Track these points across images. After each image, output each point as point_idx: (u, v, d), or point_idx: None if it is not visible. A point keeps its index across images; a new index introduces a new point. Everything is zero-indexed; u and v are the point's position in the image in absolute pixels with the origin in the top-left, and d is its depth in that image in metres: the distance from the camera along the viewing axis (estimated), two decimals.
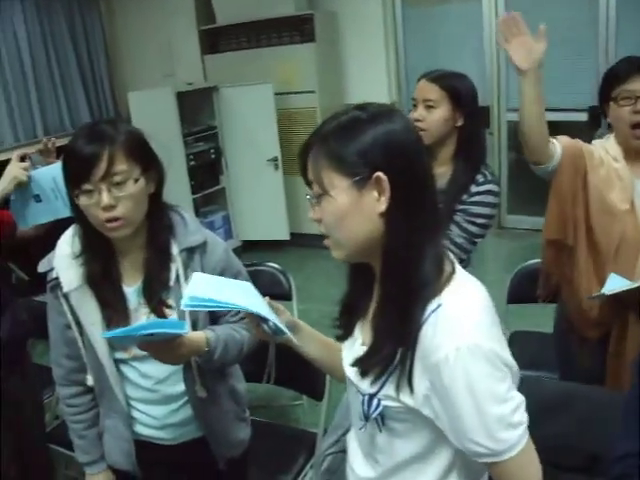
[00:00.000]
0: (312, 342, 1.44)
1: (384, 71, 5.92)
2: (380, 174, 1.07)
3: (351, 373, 1.24)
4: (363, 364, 1.17)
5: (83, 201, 1.49)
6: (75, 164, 1.48)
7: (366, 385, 1.17)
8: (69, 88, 6.27)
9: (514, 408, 1.06)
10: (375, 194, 1.09)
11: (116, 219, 1.49)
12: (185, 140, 5.63)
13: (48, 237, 1.97)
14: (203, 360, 1.59)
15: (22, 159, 2.12)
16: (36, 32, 5.94)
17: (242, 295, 1.34)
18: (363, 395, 1.18)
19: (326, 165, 1.11)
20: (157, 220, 1.60)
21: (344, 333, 1.32)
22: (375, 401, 1.16)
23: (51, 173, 2.09)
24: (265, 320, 1.30)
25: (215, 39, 6.18)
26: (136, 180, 1.50)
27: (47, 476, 2.63)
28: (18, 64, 5.82)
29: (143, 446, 1.73)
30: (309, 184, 1.18)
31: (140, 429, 1.73)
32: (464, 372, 1.03)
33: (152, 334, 1.35)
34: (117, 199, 1.47)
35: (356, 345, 1.26)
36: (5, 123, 5.75)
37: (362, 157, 1.08)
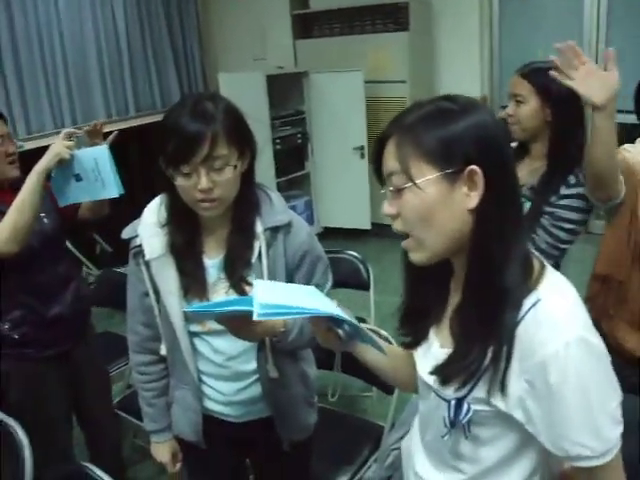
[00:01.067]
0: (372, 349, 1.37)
1: (477, 64, 5.77)
2: (475, 167, 1.01)
3: (430, 379, 1.17)
4: (448, 368, 1.10)
5: (179, 182, 1.48)
6: (178, 142, 1.44)
7: (450, 390, 1.10)
8: (161, 68, 6.39)
9: (619, 402, 1.01)
10: (465, 189, 1.02)
11: (212, 200, 1.50)
12: (272, 123, 5.68)
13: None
14: (277, 340, 1.58)
15: (69, 138, 2.15)
16: (133, 12, 6.08)
17: (312, 299, 1.28)
18: (448, 400, 1.12)
19: (415, 154, 1.03)
20: (245, 197, 1.59)
21: (416, 339, 1.24)
22: (465, 405, 1.09)
23: (93, 154, 2.12)
24: (340, 323, 1.24)
25: (308, 24, 6.18)
26: (235, 167, 1.49)
27: (114, 442, 2.72)
28: (114, 43, 5.97)
29: (209, 421, 1.74)
30: (380, 176, 1.12)
31: (208, 404, 1.74)
32: (576, 368, 0.97)
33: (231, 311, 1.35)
34: (214, 182, 1.47)
35: (433, 349, 1.19)
36: (99, 100, 5.91)
37: (454, 148, 1.01)
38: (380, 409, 2.80)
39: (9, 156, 2.22)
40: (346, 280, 3.01)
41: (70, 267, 2.43)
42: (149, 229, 1.62)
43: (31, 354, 2.29)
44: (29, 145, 4.01)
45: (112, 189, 2.14)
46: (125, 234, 1.68)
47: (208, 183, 1.46)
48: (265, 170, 5.51)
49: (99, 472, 1.74)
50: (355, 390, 3.24)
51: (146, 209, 1.68)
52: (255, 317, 1.09)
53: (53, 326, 2.31)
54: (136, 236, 1.64)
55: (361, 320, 3.08)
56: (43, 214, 2.28)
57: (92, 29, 5.77)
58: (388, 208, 1.11)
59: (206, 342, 1.67)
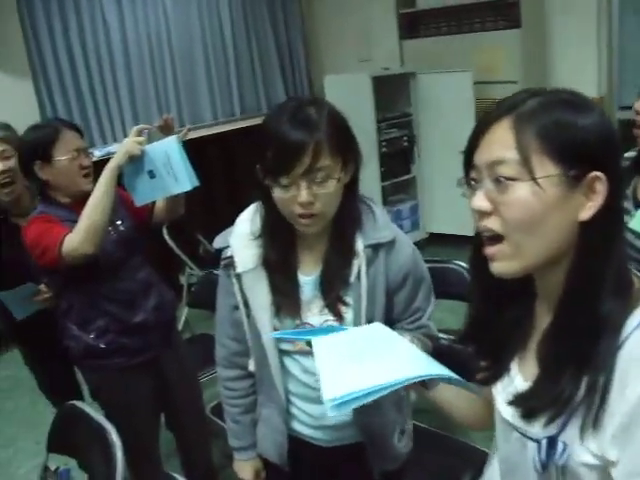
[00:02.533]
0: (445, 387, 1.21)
1: (594, 63, 5.41)
2: (599, 174, 0.87)
3: (510, 415, 1.03)
4: (532, 398, 0.95)
5: (277, 193, 1.38)
6: (278, 152, 1.34)
7: (537, 427, 0.96)
8: (267, 70, 6.43)
9: None
10: (582, 197, 0.88)
11: (312, 215, 1.39)
12: (378, 126, 5.57)
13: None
14: None
15: (140, 134, 2.12)
16: (239, 15, 6.14)
17: (387, 356, 1.10)
18: (537, 440, 0.97)
19: (538, 146, 0.88)
20: (346, 211, 1.47)
21: (495, 372, 1.08)
22: (560, 445, 0.93)
23: (164, 148, 2.06)
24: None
25: (414, 23, 6.01)
26: (338, 179, 1.38)
27: (205, 447, 2.70)
28: (221, 46, 6.06)
29: (296, 442, 1.65)
30: (468, 164, 0.98)
31: (296, 425, 1.65)
32: None
33: None
34: (315, 196, 1.36)
35: (515, 384, 1.03)
36: (206, 102, 6.01)
37: (582, 148, 0.87)
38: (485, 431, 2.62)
39: (84, 169, 2.21)
40: (452, 291, 2.86)
41: (150, 273, 2.41)
42: (241, 240, 1.54)
43: (118, 363, 2.28)
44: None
45: (185, 182, 2.07)
46: (217, 244, 1.60)
47: (309, 197, 1.35)
48: (371, 174, 5.42)
49: None
50: None
51: (239, 218, 1.59)
52: (329, 413, 0.98)
53: (138, 333, 2.29)
54: (228, 247, 1.57)
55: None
56: (119, 221, 2.28)
57: (199, 33, 5.89)
58: (482, 202, 0.94)
59: (296, 362, 1.57)
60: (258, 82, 6.37)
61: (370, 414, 1.56)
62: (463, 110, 5.42)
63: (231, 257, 1.55)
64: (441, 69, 5.53)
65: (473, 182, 0.97)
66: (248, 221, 1.55)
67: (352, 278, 1.48)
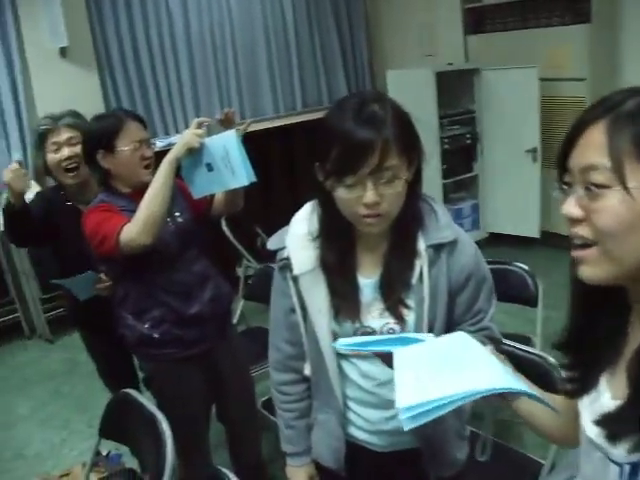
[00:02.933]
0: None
1: None
2: None
3: (595, 434, 0.97)
4: (619, 421, 0.90)
5: (341, 193, 1.33)
6: (344, 151, 1.29)
7: (622, 451, 0.90)
8: (329, 64, 6.38)
9: None
10: None
11: (377, 215, 1.34)
12: (441, 122, 5.49)
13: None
14: None
15: (200, 127, 2.11)
16: (302, 8, 6.12)
17: (466, 364, 1.07)
18: (619, 464, 0.91)
19: (632, 152, 0.83)
20: (408, 211, 1.41)
21: (583, 386, 1.02)
22: None
23: (223, 142, 2.04)
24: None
25: (480, 18, 5.87)
26: (404, 179, 1.33)
27: (255, 441, 2.68)
28: (283, 38, 6.04)
29: (352, 448, 1.61)
30: (563, 168, 0.92)
31: (352, 430, 1.60)
32: None
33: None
34: (382, 196, 1.31)
35: (602, 400, 0.97)
36: (267, 96, 6.01)
37: None
38: (539, 439, 2.54)
39: (145, 160, 2.22)
40: (511, 294, 2.79)
41: (207, 266, 2.40)
42: (298, 241, 1.49)
43: (171, 354, 2.28)
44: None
45: (242, 177, 2.06)
46: (271, 244, 1.55)
47: (375, 197, 1.30)
48: (432, 171, 5.34)
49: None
50: (508, 415, 2.97)
51: (294, 218, 1.54)
52: (405, 427, 0.95)
53: (193, 325, 2.28)
54: (284, 247, 1.52)
55: (525, 339, 2.86)
56: (177, 213, 2.28)
57: (262, 25, 5.89)
58: (573, 209, 0.89)
59: (355, 366, 1.53)
60: (320, 76, 6.34)
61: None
62: (528, 108, 5.29)
63: (287, 258, 1.50)
64: (506, 65, 5.38)
65: (566, 186, 0.92)
66: (305, 221, 1.50)
67: (414, 280, 1.43)
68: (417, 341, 1.23)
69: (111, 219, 2.11)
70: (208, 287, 2.34)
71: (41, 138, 2.51)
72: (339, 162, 1.30)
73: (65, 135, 2.47)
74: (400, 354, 1.16)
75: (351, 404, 1.57)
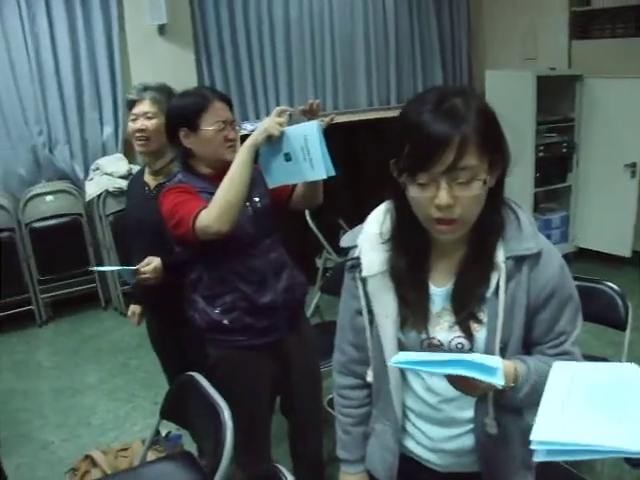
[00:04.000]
0: None
1: None
2: None
3: None
4: None
5: (413, 192, 1.23)
6: (417, 146, 1.20)
7: None
8: (427, 60, 6.25)
9: None
10: None
11: (450, 220, 1.24)
12: (537, 129, 5.28)
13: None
14: (504, 396, 1.29)
15: (282, 115, 2.05)
16: (403, 3, 6.02)
17: (631, 410, 0.93)
18: None
19: None
20: (488, 217, 1.29)
21: None
22: None
23: (303, 132, 1.97)
24: None
25: (587, 23, 5.61)
26: (483, 181, 1.22)
27: (317, 437, 2.62)
28: (383, 32, 5.95)
29: (408, 463, 1.50)
30: None
31: (410, 445, 1.50)
32: None
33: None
34: (457, 198, 1.21)
35: None
36: (362, 88, 5.93)
37: None
38: (615, 470, 2.37)
39: (228, 141, 2.18)
40: (598, 314, 2.61)
41: (284, 254, 2.33)
42: (369, 241, 1.41)
43: (240, 341, 2.23)
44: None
45: (320, 170, 1.98)
46: (344, 242, 1.48)
47: (449, 199, 1.19)
48: (523, 178, 5.17)
49: (291, 479, 1.62)
50: None
51: (370, 216, 1.46)
52: (535, 459, 0.87)
53: (264, 314, 2.23)
54: (355, 246, 1.44)
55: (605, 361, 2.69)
56: (257, 198, 2.22)
57: (362, 18, 5.82)
58: None
59: (419, 378, 1.42)
60: (417, 72, 6.22)
61: (494, 444, 1.39)
62: (632, 120, 5.00)
63: (358, 258, 1.42)
64: (612, 74, 5.12)
65: None
66: (378, 221, 1.42)
67: (489, 293, 1.31)
68: (488, 369, 1.10)
69: (189, 202, 2.08)
70: (283, 276, 2.28)
71: (129, 106, 2.54)
72: (412, 158, 1.21)
73: (144, 108, 2.47)
74: (558, 370, 1.05)
75: (412, 417, 1.47)
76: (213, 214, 2.00)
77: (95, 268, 4.85)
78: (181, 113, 2.17)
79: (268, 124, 2.01)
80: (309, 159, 1.98)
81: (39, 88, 4.93)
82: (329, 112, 5.57)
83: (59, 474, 2.93)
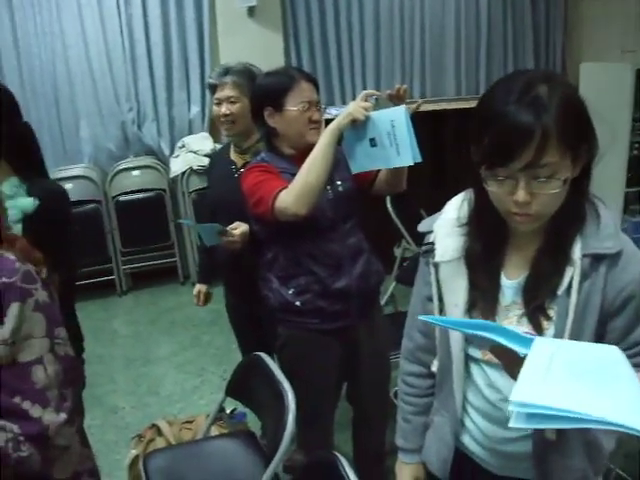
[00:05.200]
0: None
1: None
2: None
3: None
4: None
5: (491, 186, 1.19)
6: (496, 138, 1.14)
7: None
8: (519, 51, 6.02)
9: None
10: None
11: (526, 214, 1.19)
12: (634, 125, 5.03)
13: None
14: None
15: (367, 99, 2.01)
16: None
17: (609, 388, 0.90)
18: None
19: None
20: (569, 211, 1.23)
21: None
22: None
23: (390, 116, 1.92)
24: None
25: None
26: (564, 180, 1.15)
27: (380, 426, 2.58)
28: (474, 20, 5.78)
29: (463, 459, 1.47)
30: None
31: (467, 441, 1.46)
32: None
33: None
34: (534, 195, 1.16)
35: None
36: (450, 77, 5.81)
37: None
38: None
39: (312, 122, 2.17)
40: None
41: (362, 240, 2.31)
42: (446, 227, 1.38)
43: (310, 324, 2.23)
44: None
45: (407, 156, 1.94)
46: (422, 227, 1.45)
47: (526, 196, 1.14)
48: (613, 176, 4.95)
49: (347, 468, 1.61)
50: None
51: (448, 203, 1.42)
52: (511, 423, 0.85)
53: (336, 299, 2.21)
54: (431, 232, 1.41)
55: None
56: (339, 181, 2.20)
57: (453, 5, 5.67)
58: None
59: (483, 372, 1.37)
60: (508, 62, 6.01)
61: (552, 452, 1.32)
62: None
63: (432, 244, 1.39)
64: None
65: None
66: (456, 207, 1.39)
67: (561, 290, 1.25)
68: (526, 340, 1.05)
69: (270, 182, 2.09)
70: (359, 262, 2.26)
71: (211, 89, 2.57)
72: (490, 151, 1.16)
73: (227, 93, 2.49)
74: (540, 344, 1.01)
75: (471, 412, 1.43)
76: (292, 196, 2.00)
77: (181, 221, 4.95)
78: (266, 92, 2.17)
79: (353, 108, 1.99)
80: (395, 145, 1.94)
81: (131, 67, 5.10)
82: (415, 99, 5.54)
83: (126, 439, 3.03)
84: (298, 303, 2.21)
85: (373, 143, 1.99)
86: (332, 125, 2.01)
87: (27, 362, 1.17)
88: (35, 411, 1.16)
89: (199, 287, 2.85)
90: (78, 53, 4.99)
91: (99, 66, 5.04)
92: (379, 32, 5.54)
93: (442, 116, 5.18)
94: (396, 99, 2.05)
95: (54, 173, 4.94)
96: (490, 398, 1.36)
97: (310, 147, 2.08)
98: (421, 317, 1.19)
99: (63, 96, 5.06)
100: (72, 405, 1.25)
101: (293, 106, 2.13)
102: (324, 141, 2.02)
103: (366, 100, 2.03)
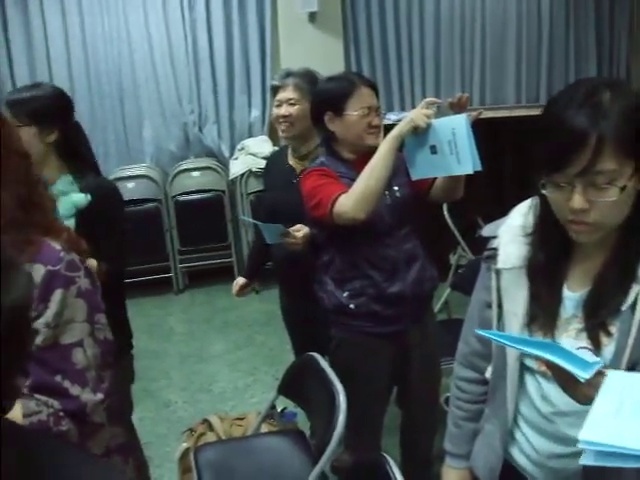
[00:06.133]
0: None
1: None
2: None
3: None
4: None
5: (549, 192, 1.19)
6: (552, 144, 1.14)
7: None
8: (581, 60, 5.92)
9: None
10: None
11: (585, 223, 1.17)
12: None
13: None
14: None
15: (429, 107, 2.03)
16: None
17: None
18: None
19: None
20: (637, 224, 1.20)
21: None
22: None
23: (452, 124, 1.94)
24: None
25: None
26: (622, 188, 1.12)
27: (428, 432, 2.57)
28: (536, 28, 5.71)
29: (510, 471, 1.44)
30: None
31: (515, 453, 1.43)
32: None
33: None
34: (592, 203, 1.14)
35: None
36: (510, 84, 5.76)
37: None
38: None
39: (372, 128, 2.19)
40: None
41: (417, 246, 2.32)
42: (511, 233, 1.36)
43: (363, 327, 2.25)
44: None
45: (467, 164, 1.96)
46: (486, 231, 1.44)
47: (583, 203, 1.13)
48: None
49: (395, 470, 1.63)
50: None
51: (514, 209, 1.41)
52: (581, 461, 0.86)
53: (390, 303, 2.23)
54: (495, 237, 1.40)
55: None
56: (396, 187, 2.22)
57: (515, 12, 5.62)
58: None
59: (537, 383, 1.35)
60: (570, 70, 5.91)
61: (602, 473, 1.28)
62: None
63: (495, 249, 1.38)
64: None
65: None
66: (522, 213, 1.37)
67: (625, 306, 1.21)
68: (586, 364, 1.04)
69: (329, 185, 2.12)
70: (414, 268, 2.27)
71: (272, 91, 2.62)
72: (547, 155, 1.16)
73: (287, 95, 2.52)
74: (612, 380, 1.00)
75: (522, 424, 1.41)
76: (351, 201, 2.03)
77: (244, 218, 5.03)
78: (327, 97, 2.21)
79: (415, 115, 2.01)
80: (456, 153, 1.96)
81: (194, 71, 5.23)
82: (476, 107, 5.49)
83: (177, 432, 3.10)
84: (352, 306, 2.23)
85: (434, 150, 2.01)
86: (394, 132, 2.04)
87: (68, 344, 1.24)
88: (74, 390, 1.23)
89: (240, 279, 2.89)
90: (143, 56, 5.15)
91: (163, 69, 5.19)
92: (439, 38, 5.54)
93: (501, 124, 5.11)
94: (457, 107, 2.06)
95: (117, 172, 5.12)
96: (542, 410, 1.34)
97: (369, 152, 2.11)
98: (479, 332, 1.20)
99: (128, 98, 5.22)
100: (108, 386, 1.31)
101: (353, 111, 2.16)
102: (385, 147, 2.04)
103: (428, 107, 2.05)
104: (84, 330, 1.26)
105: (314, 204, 2.13)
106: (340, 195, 2.06)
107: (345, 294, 2.24)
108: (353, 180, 2.09)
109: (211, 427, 2.71)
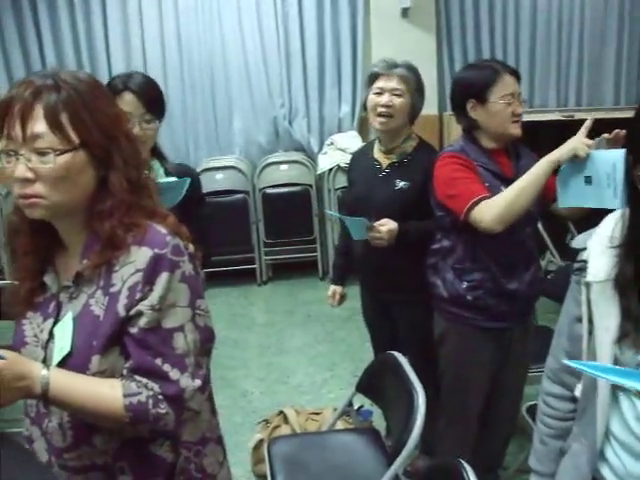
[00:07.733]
0: None
1: None
2: None
3: None
4: None
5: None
6: None
7: None
8: None
9: None
10: None
11: None
12: None
13: None
14: None
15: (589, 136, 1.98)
16: None
17: None
18: None
19: None
20: None
21: None
22: None
23: (613, 158, 1.87)
24: None
25: None
26: None
27: (502, 435, 2.57)
28: (638, 25, 5.45)
29: None
30: None
31: (606, 474, 1.34)
32: None
33: None
34: None
35: None
36: (609, 85, 5.56)
37: None
38: None
39: (515, 116, 2.18)
40: None
41: (535, 247, 2.35)
42: (600, 244, 1.30)
43: (473, 319, 2.25)
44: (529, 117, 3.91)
45: (620, 199, 1.87)
46: (576, 242, 1.39)
47: None
48: None
49: (472, 477, 1.57)
50: None
51: (605, 219, 1.35)
52: None
53: (505, 300, 2.23)
54: (585, 248, 1.34)
55: None
56: None
57: (616, 11, 5.38)
58: None
59: (632, 403, 1.27)
60: None
61: None
62: None
63: (585, 262, 1.32)
64: None
65: None
66: (611, 225, 1.31)
67: None
68: None
69: (471, 184, 2.12)
70: (531, 268, 2.29)
71: (371, 78, 2.53)
72: None
73: (392, 84, 2.45)
74: None
75: (615, 446, 1.32)
76: (493, 214, 2.02)
77: (329, 212, 5.03)
78: (470, 84, 2.21)
79: (577, 144, 1.96)
80: (613, 187, 1.91)
81: (285, 65, 5.27)
82: (571, 108, 5.30)
83: (251, 422, 3.15)
84: (470, 297, 2.24)
85: (588, 181, 1.96)
86: (552, 156, 2.00)
87: (170, 328, 1.24)
88: (174, 374, 1.22)
89: (334, 288, 2.89)
90: (235, 50, 5.23)
91: (254, 63, 5.24)
92: (535, 35, 5.40)
93: (597, 126, 4.90)
94: (612, 141, 2.02)
95: (206, 162, 5.22)
96: (637, 432, 1.26)
97: (511, 137, 2.16)
98: (566, 362, 1.17)
99: (219, 90, 5.31)
100: (207, 373, 1.31)
101: (497, 99, 2.16)
102: (539, 171, 2.01)
103: (589, 137, 2.00)
104: (186, 315, 1.26)
105: (450, 194, 2.14)
106: (481, 200, 2.05)
107: (464, 285, 2.24)
108: (490, 172, 2.14)
109: (286, 419, 2.72)
